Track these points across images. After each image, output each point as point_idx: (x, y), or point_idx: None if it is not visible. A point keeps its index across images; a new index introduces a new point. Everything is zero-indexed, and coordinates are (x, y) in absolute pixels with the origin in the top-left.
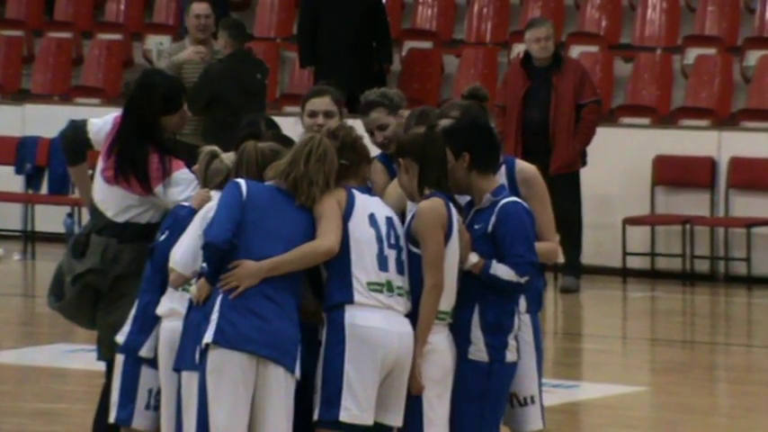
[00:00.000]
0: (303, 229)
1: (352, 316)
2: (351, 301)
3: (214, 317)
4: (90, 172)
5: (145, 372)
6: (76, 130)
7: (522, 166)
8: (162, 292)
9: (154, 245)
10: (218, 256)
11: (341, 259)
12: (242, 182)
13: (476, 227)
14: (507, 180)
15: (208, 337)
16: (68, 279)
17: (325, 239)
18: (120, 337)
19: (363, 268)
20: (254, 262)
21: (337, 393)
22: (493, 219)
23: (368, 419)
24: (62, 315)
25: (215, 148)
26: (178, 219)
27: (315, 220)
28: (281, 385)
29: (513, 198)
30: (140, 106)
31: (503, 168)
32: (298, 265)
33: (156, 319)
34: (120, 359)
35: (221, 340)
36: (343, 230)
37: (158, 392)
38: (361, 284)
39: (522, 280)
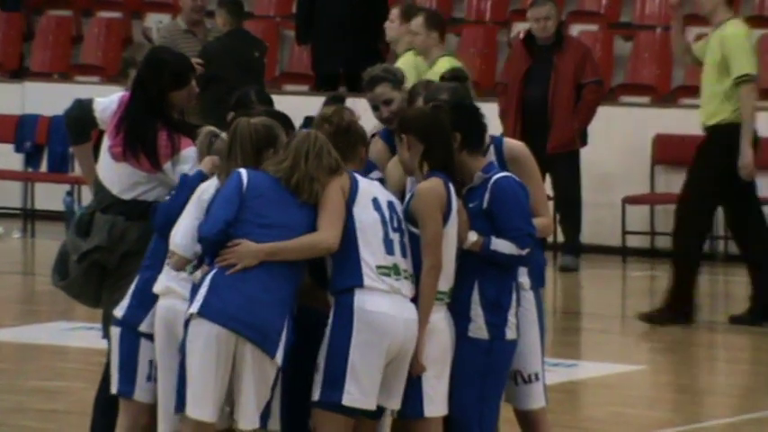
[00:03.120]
0: (304, 219)
1: (362, 300)
2: (360, 284)
3: (203, 290)
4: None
5: (144, 344)
6: (82, 109)
7: (511, 144)
8: (162, 268)
9: (155, 204)
10: (213, 248)
11: (348, 243)
12: (243, 172)
13: (470, 205)
14: (497, 159)
15: (193, 308)
16: (74, 257)
17: (327, 235)
18: (119, 311)
19: (371, 252)
20: (255, 243)
21: (341, 376)
22: (487, 195)
23: (370, 405)
24: (67, 293)
25: (214, 128)
26: (186, 180)
27: (318, 205)
28: (256, 366)
29: (505, 173)
30: (149, 83)
31: (491, 148)
32: (296, 255)
33: (157, 296)
34: (116, 332)
35: (206, 312)
36: (348, 215)
37: None
38: (370, 268)
39: (524, 252)
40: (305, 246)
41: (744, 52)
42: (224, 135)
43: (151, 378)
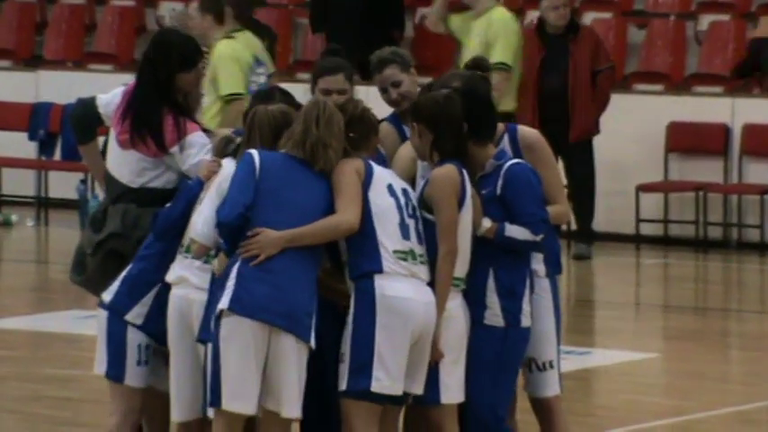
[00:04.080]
0: (319, 198)
1: (382, 286)
2: (380, 269)
3: (230, 284)
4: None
5: (131, 330)
6: (86, 107)
7: (525, 132)
8: (160, 260)
9: (156, 212)
10: (232, 233)
11: (364, 228)
12: (255, 153)
13: (483, 192)
14: (511, 147)
15: (223, 303)
16: (89, 251)
17: (347, 215)
18: (107, 296)
19: (388, 236)
20: (275, 231)
21: (368, 364)
22: (500, 181)
23: (398, 390)
24: (86, 288)
25: (229, 132)
26: (186, 188)
27: (333, 188)
28: (293, 354)
29: (517, 160)
30: (157, 64)
31: (506, 137)
32: (317, 238)
33: (149, 288)
34: (103, 316)
35: (237, 307)
36: (364, 200)
37: (147, 347)
38: (388, 252)
39: (538, 238)
40: (326, 228)
41: (507, 42)
42: (238, 140)
43: (141, 362)
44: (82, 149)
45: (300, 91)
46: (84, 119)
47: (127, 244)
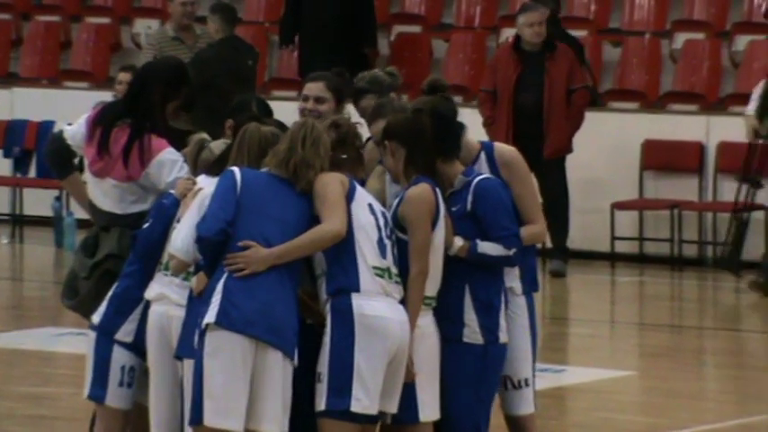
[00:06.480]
0: (300, 216)
1: (360, 305)
2: (357, 287)
3: (216, 298)
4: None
5: (117, 350)
6: (55, 142)
7: (502, 149)
8: (143, 277)
9: (135, 232)
10: (211, 248)
11: (344, 243)
12: (236, 170)
13: (453, 209)
14: (488, 165)
15: (210, 317)
16: (83, 275)
17: (333, 224)
18: (96, 317)
19: (367, 253)
20: (265, 248)
21: (347, 383)
22: (470, 197)
23: (375, 409)
24: (78, 312)
25: (204, 136)
26: (162, 208)
27: (316, 200)
28: (279, 370)
29: (487, 175)
30: (145, 92)
31: (482, 155)
32: (306, 250)
33: (135, 304)
34: (92, 336)
35: (224, 322)
36: (347, 211)
37: (131, 369)
38: (366, 266)
39: (511, 252)
40: (313, 239)
41: None
42: (213, 145)
43: (123, 384)
44: (63, 184)
45: (290, 110)
46: (56, 155)
47: (123, 264)
